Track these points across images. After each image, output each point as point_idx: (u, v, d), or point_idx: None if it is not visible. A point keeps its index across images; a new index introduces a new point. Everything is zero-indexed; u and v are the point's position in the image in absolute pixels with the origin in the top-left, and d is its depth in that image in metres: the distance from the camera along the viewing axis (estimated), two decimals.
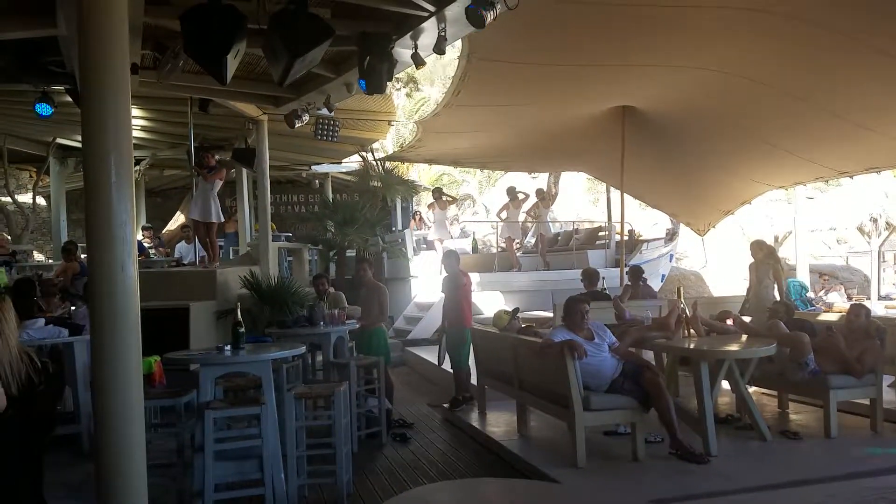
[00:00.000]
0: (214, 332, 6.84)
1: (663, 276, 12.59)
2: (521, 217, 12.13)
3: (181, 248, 10.55)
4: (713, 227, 10.27)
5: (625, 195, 8.60)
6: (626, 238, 9.99)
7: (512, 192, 11.85)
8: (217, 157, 8.30)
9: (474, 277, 9.44)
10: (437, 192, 12.15)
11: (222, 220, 7.81)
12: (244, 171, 10.73)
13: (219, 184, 7.68)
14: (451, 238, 12.35)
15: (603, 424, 4.36)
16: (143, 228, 11.53)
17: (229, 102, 7.88)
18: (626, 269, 7.80)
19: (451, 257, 6.03)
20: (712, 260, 15.91)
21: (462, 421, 5.52)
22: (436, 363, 6.39)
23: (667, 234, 13.08)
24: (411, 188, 13.39)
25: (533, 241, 12.95)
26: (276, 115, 8.05)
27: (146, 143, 10.89)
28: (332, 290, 6.46)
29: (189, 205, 8.29)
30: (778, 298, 6.34)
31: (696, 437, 4.18)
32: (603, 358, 4.15)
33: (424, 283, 10.66)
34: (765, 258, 6.64)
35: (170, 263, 9.02)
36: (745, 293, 6.77)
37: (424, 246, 12.35)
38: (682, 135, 7.91)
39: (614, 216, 12.05)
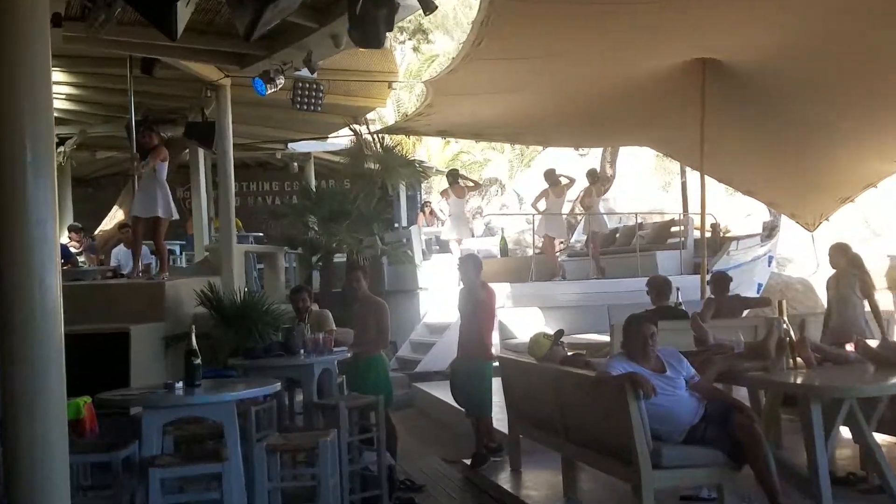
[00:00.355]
0: (162, 364, 7.00)
1: (760, 285, 12.55)
2: (566, 208, 12.22)
3: (119, 253, 10.60)
4: (826, 219, 10.22)
5: (706, 178, 8.58)
6: (708, 235, 10.02)
7: (552, 175, 11.77)
8: (168, 134, 8.42)
9: (503, 289, 9.60)
10: (453, 176, 12.23)
11: (173, 215, 7.90)
12: (201, 151, 10.86)
13: (164, 167, 7.72)
14: (473, 237, 12.45)
15: (679, 486, 4.35)
16: (70, 229, 11.68)
17: (181, 63, 7.90)
18: (709, 277, 7.74)
19: (468, 263, 6.09)
20: (826, 264, 15.69)
21: (488, 481, 5.54)
22: (455, 405, 6.47)
23: (764, 230, 13.03)
24: (419, 171, 13.26)
25: (582, 239, 12.87)
26: (241, 78, 8.11)
27: (73, 116, 11.02)
28: (315, 307, 6.53)
29: (129, 197, 8.50)
30: (869, 322, 6.31)
31: (805, 503, 4.17)
32: (678, 397, 4.17)
33: (437, 298, 10.68)
34: (848, 267, 6.64)
35: (104, 274, 9.04)
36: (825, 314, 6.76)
37: (437, 248, 12.38)
38: (785, 97, 7.87)
39: (692, 206, 11.90)
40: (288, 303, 6.92)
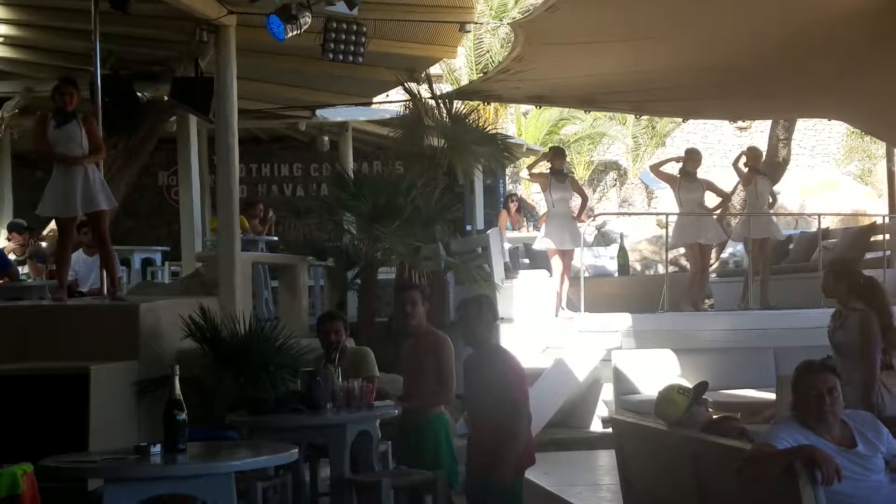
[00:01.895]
0: (134, 419, 7.07)
1: None
2: (709, 202, 11.81)
3: (77, 262, 10.51)
4: None
5: None
6: None
7: (694, 156, 11.53)
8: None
9: (622, 323, 9.91)
10: (557, 157, 11.71)
11: (115, 204, 8.19)
12: (192, 120, 11.09)
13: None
14: (582, 246, 12.09)
15: None
16: (9, 227, 11.90)
17: None
18: None
19: (473, 312, 5.45)
20: None
21: None
22: (545, 487, 6.52)
23: None
24: (503, 151, 12.71)
25: (739, 252, 13.05)
26: (251, 16, 8.23)
27: (14, 68, 11.30)
28: (351, 342, 6.69)
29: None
30: None
31: None
32: (874, 483, 4.22)
33: (525, 332, 10.68)
34: None
35: (55, 290, 8.98)
36: None
37: (526, 260, 12.42)
38: None
39: None
40: (312, 336, 7.07)
